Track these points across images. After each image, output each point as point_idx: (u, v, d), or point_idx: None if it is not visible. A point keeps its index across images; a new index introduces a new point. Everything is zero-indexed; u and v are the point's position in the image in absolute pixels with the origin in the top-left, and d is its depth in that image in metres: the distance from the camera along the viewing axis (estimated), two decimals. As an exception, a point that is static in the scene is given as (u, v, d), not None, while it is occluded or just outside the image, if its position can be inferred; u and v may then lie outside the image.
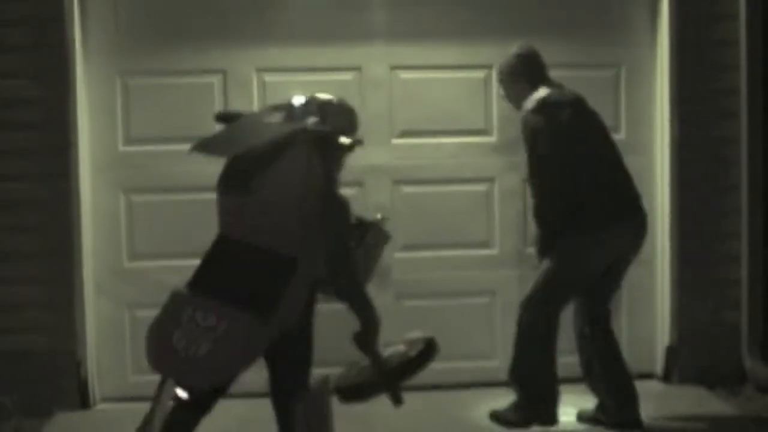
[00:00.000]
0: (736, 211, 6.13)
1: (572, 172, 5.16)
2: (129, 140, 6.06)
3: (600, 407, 5.47)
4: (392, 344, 4.64)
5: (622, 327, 6.29)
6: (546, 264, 5.26)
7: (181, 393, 4.03)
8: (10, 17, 5.78)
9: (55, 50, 5.80)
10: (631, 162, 6.21)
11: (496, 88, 5.53)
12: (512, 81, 5.38)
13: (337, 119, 4.36)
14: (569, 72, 6.16)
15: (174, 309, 4.06)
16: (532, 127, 5.21)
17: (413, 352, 4.52)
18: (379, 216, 4.87)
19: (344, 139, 4.31)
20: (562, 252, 5.21)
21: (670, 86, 6.13)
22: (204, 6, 6.07)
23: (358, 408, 5.63)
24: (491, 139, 6.17)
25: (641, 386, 5.69)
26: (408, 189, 6.19)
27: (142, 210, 6.08)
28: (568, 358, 5.47)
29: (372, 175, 6.08)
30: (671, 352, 6.23)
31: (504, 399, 5.41)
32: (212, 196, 5.86)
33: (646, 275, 6.29)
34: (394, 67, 6.15)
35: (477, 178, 6.18)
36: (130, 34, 6.02)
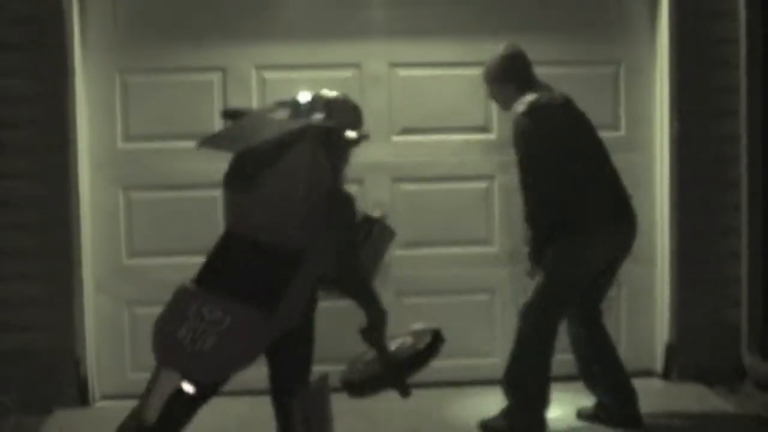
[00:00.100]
0: (735, 209, 6.13)
1: (564, 176, 5.15)
2: (128, 137, 6.06)
3: (599, 405, 5.47)
4: (398, 336, 4.66)
5: (622, 324, 6.30)
6: (541, 271, 5.25)
7: (187, 387, 4.03)
8: (10, 15, 5.77)
9: (54, 48, 5.80)
10: (630, 159, 6.24)
11: (483, 88, 5.49)
12: (499, 83, 5.36)
13: (342, 115, 4.38)
14: (568, 69, 6.18)
15: (180, 304, 4.08)
16: (523, 131, 5.18)
17: (421, 345, 4.54)
18: (378, 213, 4.88)
19: (351, 134, 4.33)
20: (557, 257, 5.20)
21: (670, 84, 6.13)
22: (203, 3, 6.06)
23: (359, 404, 5.65)
24: (491, 136, 6.16)
25: (641, 384, 5.69)
26: (408, 186, 6.18)
27: (141, 207, 6.08)
28: (564, 355, 5.48)
29: (372, 173, 6.08)
30: (671, 349, 6.23)
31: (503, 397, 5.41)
32: (211, 193, 5.91)
33: (645, 273, 6.29)
34: (393, 65, 6.15)
35: (477, 175, 6.17)
36: (129, 32, 6.01)
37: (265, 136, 4.17)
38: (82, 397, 5.92)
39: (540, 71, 6.13)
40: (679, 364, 6.19)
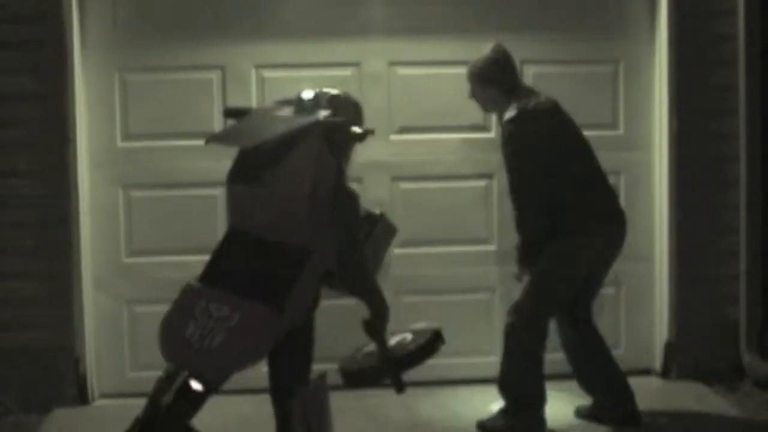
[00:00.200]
0: (734, 207, 6.13)
1: (553, 180, 5.15)
2: (127, 136, 6.06)
3: (597, 404, 5.47)
4: (398, 332, 4.67)
5: (621, 323, 6.31)
6: (532, 273, 5.25)
7: (195, 384, 4.05)
8: (9, 14, 5.77)
9: (53, 46, 5.79)
10: (629, 158, 6.25)
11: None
12: (482, 84, 5.32)
13: (345, 112, 4.41)
14: (568, 68, 6.19)
15: (187, 302, 4.10)
16: (511, 137, 5.17)
17: (420, 342, 4.56)
18: (379, 210, 4.90)
19: (356, 129, 4.35)
20: (549, 259, 5.20)
21: (669, 81, 6.13)
22: (202, 2, 6.06)
23: (358, 402, 5.66)
24: (490, 135, 6.15)
25: (640, 382, 5.70)
26: (407, 185, 6.18)
27: (140, 206, 6.08)
28: (562, 354, 5.48)
29: (371, 171, 6.08)
30: (670, 348, 6.23)
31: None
32: (211, 191, 5.94)
33: (644, 271, 6.30)
34: (392, 63, 6.15)
35: (476, 174, 6.17)
36: (129, 30, 6.01)
37: (273, 132, 4.19)
38: (81, 395, 5.92)
39: (539, 70, 6.16)
40: (678, 362, 6.19)
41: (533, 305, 5.23)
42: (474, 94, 5.40)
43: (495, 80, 5.29)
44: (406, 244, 6.06)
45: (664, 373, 6.25)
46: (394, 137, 6.16)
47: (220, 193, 5.78)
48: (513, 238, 5.32)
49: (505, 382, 5.34)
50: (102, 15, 5.99)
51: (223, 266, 4.22)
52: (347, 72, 6.08)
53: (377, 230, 4.71)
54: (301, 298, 4.16)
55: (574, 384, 5.49)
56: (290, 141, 4.18)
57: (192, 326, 4.03)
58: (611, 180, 6.11)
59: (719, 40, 6.12)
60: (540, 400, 5.32)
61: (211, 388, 4.09)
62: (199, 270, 4.41)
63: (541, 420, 5.33)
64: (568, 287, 5.28)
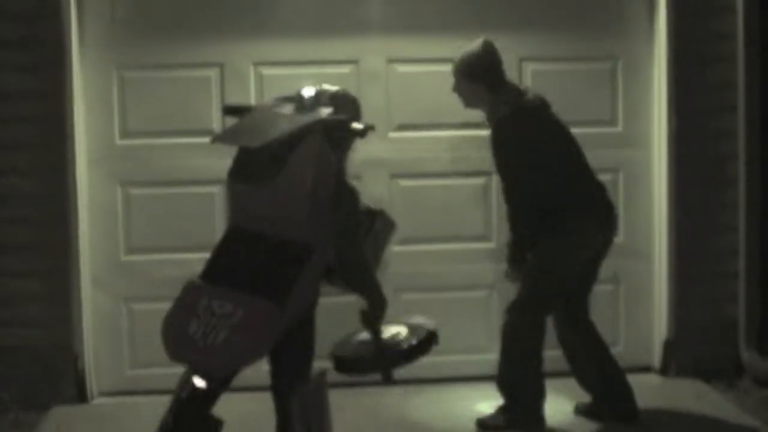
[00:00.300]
0: (733, 205, 6.13)
1: (546, 178, 5.14)
2: (126, 133, 6.05)
3: (596, 401, 5.47)
4: (394, 323, 4.69)
5: (620, 321, 6.31)
6: (527, 271, 5.25)
7: (199, 382, 4.07)
8: (7, 11, 5.76)
9: (51, 44, 5.79)
10: (628, 156, 6.26)
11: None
12: (468, 80, 5.27)
13: (346, 109, 4.42)
14: (566, 65, 6.19)
15: (189, 299, 4.12)
16: (504, 135, 5.16)
17: (414, 341, 4.58)
18: (378, 206, 4.91)
19: (357, 125, 4.36)
20: (544, 256, 5.20)
21: (668, 79, 6.13)
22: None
23: (357, 400, 5.67)
24: (489, 132, 6.14)
25: (639, 380, 5.70)
26: (405, 182, 6.18)
27: (139, 203, 6.07)
28: (558, 352, 5.48)
29: (369, 169, 6.07)
30: (669, 345, 6.23)
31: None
32: (210, 189, 5.94)
33: (643, 269, 6.30)
34: (391, 60, 6.15)
35: (475, 171, 6.17)
36: (127, 27, 6.01)
37: (278, 131, 4.20)
38: (80, 393, 5.91)
39: (538, 67, 6.17)
40: (677, 360, 6.19)
41: (530, 303, 5.24)
42: (458, 89, 5.34)
43: (481, 76, 5.24)
44: (404, 241, 6.05)
45: (663, 371, 6.25)
46: (392, 134, 6.16)
47: (218, 190, 5.79)
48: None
49: (504, 380, 5.34)
50: (100, 12, 5.98)
51: (224, 263, 4.24)
52: (346, 69, 6.07)
53: (377, 226, 4.73)
54: (303, 294, 4.18)
55: (572, 382, 5.49)
56: (296, 139, 4.19)
57: (195, 324, 4.05)
58: (610, 177, 6.15)
59: (718, 37, 6.12)
60: (539, 397, 5.32)
61: (213, 386, 4.10)
62: (198, 268, 4.41)
63: (540, 417, 5.33)
64: (564, 284, 5.29)
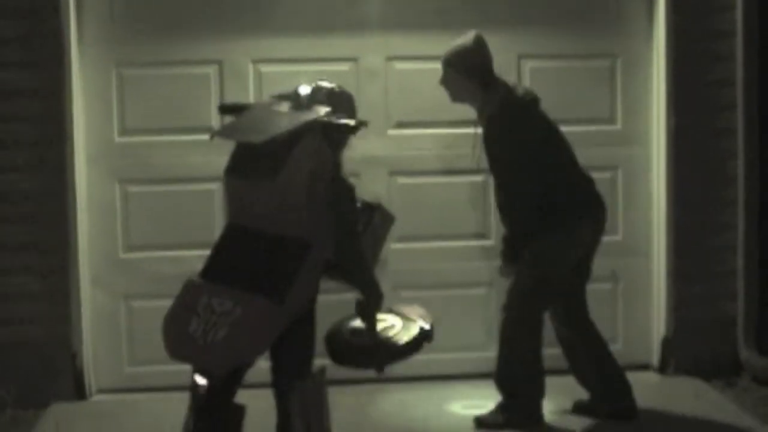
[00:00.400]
0: (732, 203, 6.13)
1: (539, 173, 5.13)
2: (125, 131, 6.05)
3: (595, 399, 5.47)
4: (390, 312, 4.70)
5: (619, 319, 6.31)
6: (523, 268, 5.25)
7: (200, 380, 4.08)
8: (6, 8, 5.76)
9: (50, 41, 5.78)
10: (627, 153, 6.25)
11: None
12: (459, 73, 5.23)
13: (342, 105, 4.45)
14: (565, 63, 6.19)
15: (189, 298, 4.14)
16: (497, 132, 5.15)
17: (406, 339, 4.59)
18: (376, 200, 4.93)
19: (351, 122, 4.36)
20: (539, 253, 5.20)
21: (667, 77, 6.12)
22: (199, -4, 6.07)
23: (356, 396, 5.67)
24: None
25: (637, 378, 5.70)
26: (404, 180, 6.18)
27: (137, 201, 6.07)
28: (559, 349, 5.48)
29: (368, 166, 6.07)
30: (667, 343, 6.23)
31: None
32: (208, 186, 5.94)
33: (642, 266, 6.30)
34: (390, 58, 6.14)
35: (473, 168, 6.15)
36: (126, 25, 6.00)
37: (279, 128, 4.21)
38: (78, 390, 5.91)
39: (537, 65, 6.17)
40: (676, 358, 6.19)
41: (528, 300, 5.23)
42: (446, 81, 5.30)
43: (471, 70, 5.21)
44: (403, 238, 6.06)
45: (662, 369, 6.25)
46: (391, 132, 6.16)
47: (217, 188, 5.78)
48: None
49: (503, 378, 5.33)
50: (99, 10, 5.98)
51: (223, 261, 4.26)
52: (344, 67, 6.07)
53: (375, 220, 4.76)
54: (302, 290, 4.20)
55: (571, 380, 5.49)
56: (293, 137, 4.20)
57: (195, 322, 4.07)
58: (609, 175, 6.17)
59: (717, 35, 6.12)
60: (538, 395, 5.31)
61: (215, 383, 4.11)
62: (196, 265, 4.42)
63: (538, 415, 5.33)
64: (561, 280, 5.28)
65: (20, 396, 5.75)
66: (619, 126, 6.25)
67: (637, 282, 6.32)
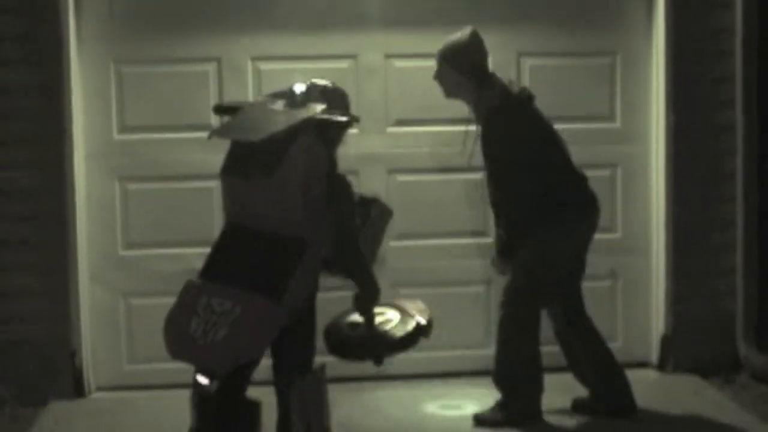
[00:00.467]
0: (731, 199, 6.13)
1: (537, 171, 5.13)
2: (124, 128, 6.05)
3: (594, 396, 5.47)
4: (388, 306, 4.70)
5: (618, 316, 6.31)
6: (521, 265, 5.25)
7: (202, 379, 4.11)
8: (4, 5, 5.75)
9: (49, 38, 5.78)
10: (626, 150, 6.25)
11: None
12: (453, 68, 5.21)
13: (336, 103, 4.46)
14: (565, 60, 6.19)
15: (189, 299, 4.17)
16: (496, 131, 5.14)
17: (400, 334, 4.61)
18: (373, 195, 4.94)
19: (341, 118, 4.37)
20: (537, 250, 5.19)
21: (666, 74, 6.12)
22: (199, -6, 6.06)
23: (356, 393, 5.67)
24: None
25: (636, 375, 5.71)
26: (403, 178, 6.18)
27: (136, 198, 6.07)
28: (555, 347, 5.48)
29: (367, 164, 6.07)
30: (666, 341, 6.23)
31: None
32: (207, 184, 5.93)
33: (641, 264, 6.30)
34: (389, 56, 6.14)
35: (472, 166, 6.14)
36: (125, 22, 6.00)
37: (276, 125, 4.22)
38: (77, 388, 5.91)
39: (536, 62, 6.17)
40: (675, 355, 6.19)
41: (526, 297, 5.23)
42: (440, 77, 5.29)
43: (466, 65, 5.19)
44: (402, 236, 6.06)
45: (661, 366, 6.25)
46: (390, 130, 6.16)
47: (216, 185, 5.71)
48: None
49: (501, 376, 5.33)
50: (98, 7, 5.97)
51: (222, 261, 4.28)
52: (344, 64, 6.07)
53: (373, 214, 4.76)
54: (300, 289, 4.22)
55: (570, 377, 5.49)
56: (289, 136, 4.20)
57: (195, 322, 4.09)
58: (608, 173, 6.17)
59: (716, 32, 6.12)
60: (536, 392, 5.31)
61: (216, 382, 4.13)
62: (195, 262, 4.42)
63: (537, 413, 5.33)
64: (558, 277, 5.29)
65: (19, 394, 5.75)
66: (618, 123, 6.25)
67: (637, 279, 6.32)
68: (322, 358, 4.57)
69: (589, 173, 5.44)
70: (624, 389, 5.41)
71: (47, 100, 5.79)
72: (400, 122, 6.16)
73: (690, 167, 6.13)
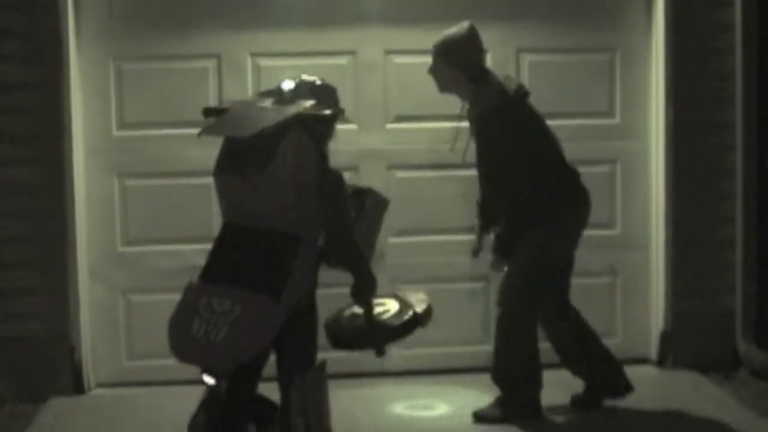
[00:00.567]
0: (730, 196, 6.13)
1: (536, 169, 5.13)
2: (123, 125, 6.04)
3: (590, 388, 5.47)
4: (389, 297, 4.71)
5: (617, 312, 6.31)
6: (515, 263, 5.25)
7: (207, 379, 4.16)
8: (4, 2, 5.75)
9: (48, 35, 5.77)
10: (625, 147, 6.25)
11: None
12: (449, 63, 5.18)
13: (326, 99, 4.45)
14: (564, 56, 6.18)
15: (190, 300, 4.19)
16: (493, 128, 5.13)
17: (398, 322, 4.63)
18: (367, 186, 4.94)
19: (328, 112, 4.37)
20: (531, 248, 5.19)
21: (665, 70, 6.12)
22: (198, -10, 6.06)
23: (356, 390, 5.68)
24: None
25: (636, 371, 5.71)
26: (402, 174, 6.17)
27: (136, 195, 6.07)
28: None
29: (366, 160, 6.07)
30: (666, 337, 6.23)
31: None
32: (206, 180, 5.83)
33: (640, 260, 6.30)
34: (388, 52, 6.14)
35: (471, 163, 6.15)
36: (124, 19, 5.99)
37: (266, 121, 4.22)
38: (77, 385, 5.91)
39: (535, 58, 6.16)
40: (674, 351, 6.20)
41: (522, 295, 5.23)
42: (435, 71, 5.27)
43: (462, 60, 5.17)
44: (401, 232, 6.06)
45: (660, 362, 6.25)
46: (390, 126, 6.15)
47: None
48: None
49: (500, 372, 5.33)
50: (97, 4, 5.97)
51: (221, 261, 4.29)
52: (343, 60, 6.07)
53: (368, 204, 4.75)
54: (299, 285, 4.23)
55: (568, 374, 5.49)
56: (281, 131, 4.21)
57: (197, 323, 4.11)
58: (608, 169, 6.17)
59: (716, 29, 6.11)
60: (536, 388, 5.31)
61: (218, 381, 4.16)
62: (194, 258, 4.43)
63: (537, 409, 5.33)
64: (555, 272, 5.29)
65: (19, 390, 5.76)
66: (617, 120, 6.25)
67: (636, 276, 6.32)
68: (326, 354, 4.56)
69: (588, 169, 5.44)
70: (618, 373, 5.42)
71: (47, 97, 5.79)
72: (400, 118, 6.16)
73: (689, 164, 6.13)
